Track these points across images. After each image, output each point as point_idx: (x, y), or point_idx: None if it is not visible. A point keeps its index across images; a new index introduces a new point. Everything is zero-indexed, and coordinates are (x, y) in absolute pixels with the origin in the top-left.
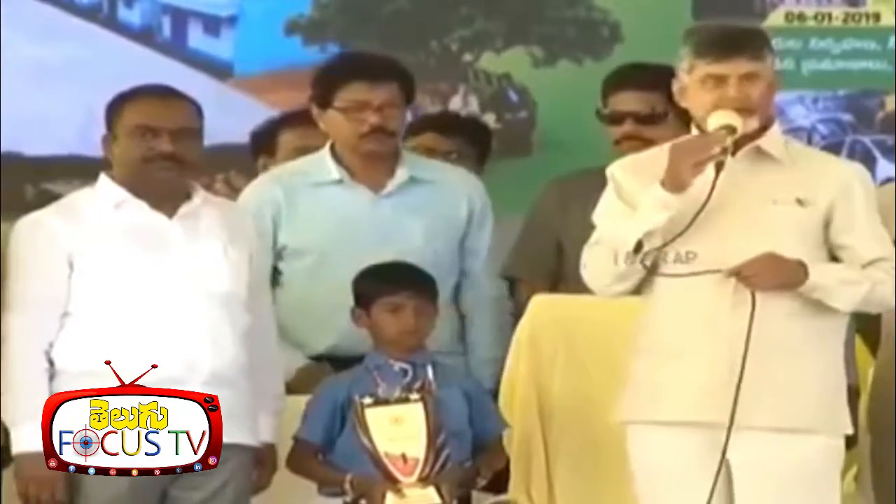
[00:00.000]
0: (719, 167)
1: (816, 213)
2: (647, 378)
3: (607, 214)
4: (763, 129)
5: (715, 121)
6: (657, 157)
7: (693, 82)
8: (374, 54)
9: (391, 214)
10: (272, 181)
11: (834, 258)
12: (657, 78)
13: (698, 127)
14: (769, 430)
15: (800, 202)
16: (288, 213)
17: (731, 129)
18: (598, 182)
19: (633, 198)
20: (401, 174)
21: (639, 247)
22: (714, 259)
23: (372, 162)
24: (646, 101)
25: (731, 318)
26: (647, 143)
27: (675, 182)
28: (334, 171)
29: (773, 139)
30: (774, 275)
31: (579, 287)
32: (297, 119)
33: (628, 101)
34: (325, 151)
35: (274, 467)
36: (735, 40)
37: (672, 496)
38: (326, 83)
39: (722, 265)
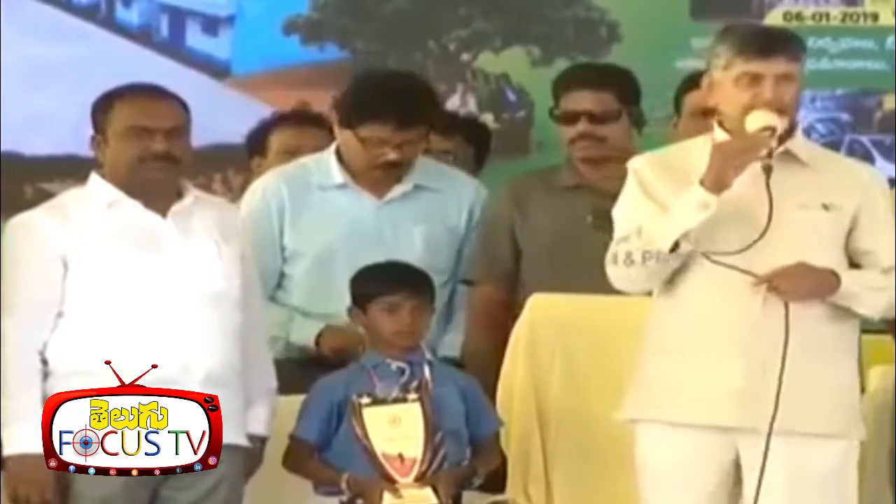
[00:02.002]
0: (768, 171)
1: (842, 218)
2: (668, 379)
3: (633, 210)
4: (789, 133)
5: (754, 121)
6: (679, 153)
7: (728, 79)
8: (409, 92)
9: (392, 221)
10: (280, 180)
11: (852, 263)
12: (608, 77)
13: (720, 124)
14: (797, 435)
15: (826, 207)
16: (292, 215)
17: (771, 131)
18: (550, 181)
19: (657, 193)
20: (408, 182)
21: (675, 247)
22: (740, 262)
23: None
24: (598, 100)
25: (762, 324)
26: (601, 141)
27: (717, 182)
28: (338, 176)
29: (800, 142)
30: (808, 285)
31: (539, 288)
32: (287, 120)
33: (581, 100)
34: (331, 153)
35: (259, 462)
36: (775, 40)
37: (680, 497)
38: (354, 112)
39: (749, 269)
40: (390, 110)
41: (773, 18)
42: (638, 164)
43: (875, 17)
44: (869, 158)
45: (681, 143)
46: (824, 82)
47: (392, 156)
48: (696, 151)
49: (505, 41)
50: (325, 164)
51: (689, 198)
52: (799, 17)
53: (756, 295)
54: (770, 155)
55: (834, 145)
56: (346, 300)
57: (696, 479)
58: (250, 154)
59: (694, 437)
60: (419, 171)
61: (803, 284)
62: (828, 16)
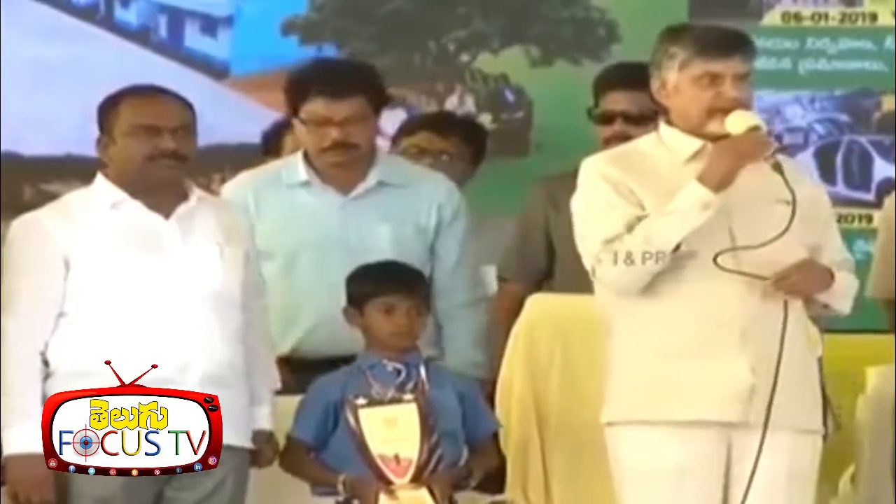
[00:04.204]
0: (779, 169)
1: (801, 212)
2: (660, 377)
3: (613, 209)
4: None
5: (738, 122)
6: (632, 153)
7: (686, 79)
8: (340, 65)
9: (358, 218)
10: (246, 183)
11: None
12: (645, 76)
13: (669, 122)
14: (792, 431)
15: (788, 203)
16: (256, 216)
17: (758, 130)
18: None
19: (626, 191)
20: (371, 178)
21: (677, 247)
22: (726, 258)
23: (340, 168)
24: (636, 101)
25: (762, 320)
26: None
27: (722, 181)
28: (303, 174)
29: None
30: (813, 281)
31: (571, 287)
32: None
33: (620, 100)
34: (299, 153)
35: (276, 450)
36: (734, 40)
37: (671, 497)
38: (292, 94)
39: (734, 265)
40: (322, 81)
41: (771, 18)
42: (598, 164)
43: (874, 17)
44: (867, 159)
45: (627, 144)
46: (823, 83)
47: (334, 133)
48: (648, 150)
49: (503, 41)
50: (292, 164)
51: (688, 197)
52: (797, 17)
53: (754, 294)
54: (775, 153)
55: (832, 146)
56: (311, 296)
57: (701, 478)
58: (265, 154)
59: (691, 435)
60: (383, 168)
61: (811, 281)
62: (826, 16)
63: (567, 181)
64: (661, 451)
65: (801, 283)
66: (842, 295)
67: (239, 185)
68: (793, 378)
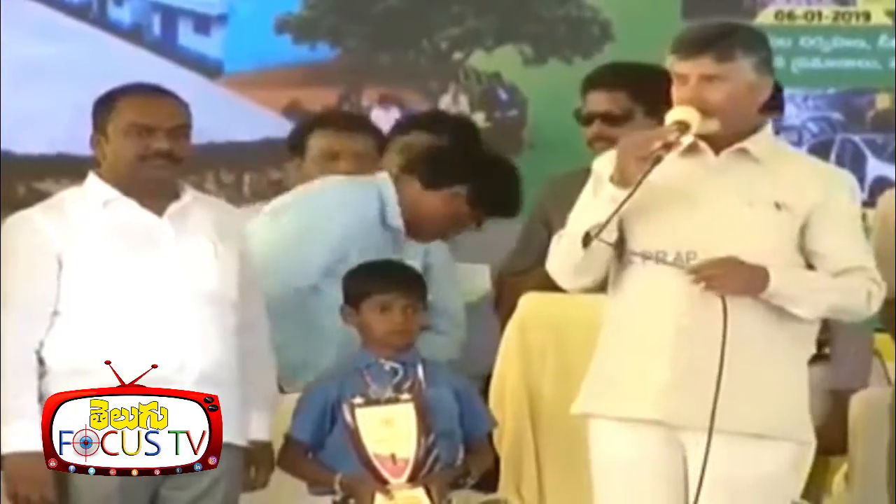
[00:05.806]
0: (657, 161)
1: (794, 218)
2: (609, 372)
3: (577, 208)
4: (753, 131)
5: (670, 116)
6: None
7: (673, 77)
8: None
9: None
10: (369, 188)
11: (810, 264)
12: (624, 77)
13: None
14: (731, 434)
15: (777, 206)
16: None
17: (683, 126)
18: (587, 181)
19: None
20: None
21: (586, 240)
22: (683, 258)
23: None
24: (612, 101)
25: (697, 319)
26: (613, 143)
27: (621, 176)
28: (396, 219)
29: (760, 142)
30: (734, 279)
31: None
32: (327, 122)
33: (597, 101)
34: (389, 186)
35: (271, 466)
36: (700, 40)
37: (626, 493)
38: (485, 208)
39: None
40: (514, 210)
41: (765, 17)
42: (597, 164)
43: (867, 16)
44: (861, 157)
45: None
46: (816, 81)
47: None
48: None
49: (497, 40)
50: (387, 198)
51: (602, 193)
52: (791, 15)
53: (693, 291)
54: (668, 147)
55: (826, 144)
56: None
57: (642, 476)
58: (291, 152)
59: (639, 432)
60: None
61: (730, 278)
62: (820, 15)
63: (571, 180)
64: (614, 444)
65: (716, 279)
66: (799, 300)
67: (366, 194)
68: (740, 379)
